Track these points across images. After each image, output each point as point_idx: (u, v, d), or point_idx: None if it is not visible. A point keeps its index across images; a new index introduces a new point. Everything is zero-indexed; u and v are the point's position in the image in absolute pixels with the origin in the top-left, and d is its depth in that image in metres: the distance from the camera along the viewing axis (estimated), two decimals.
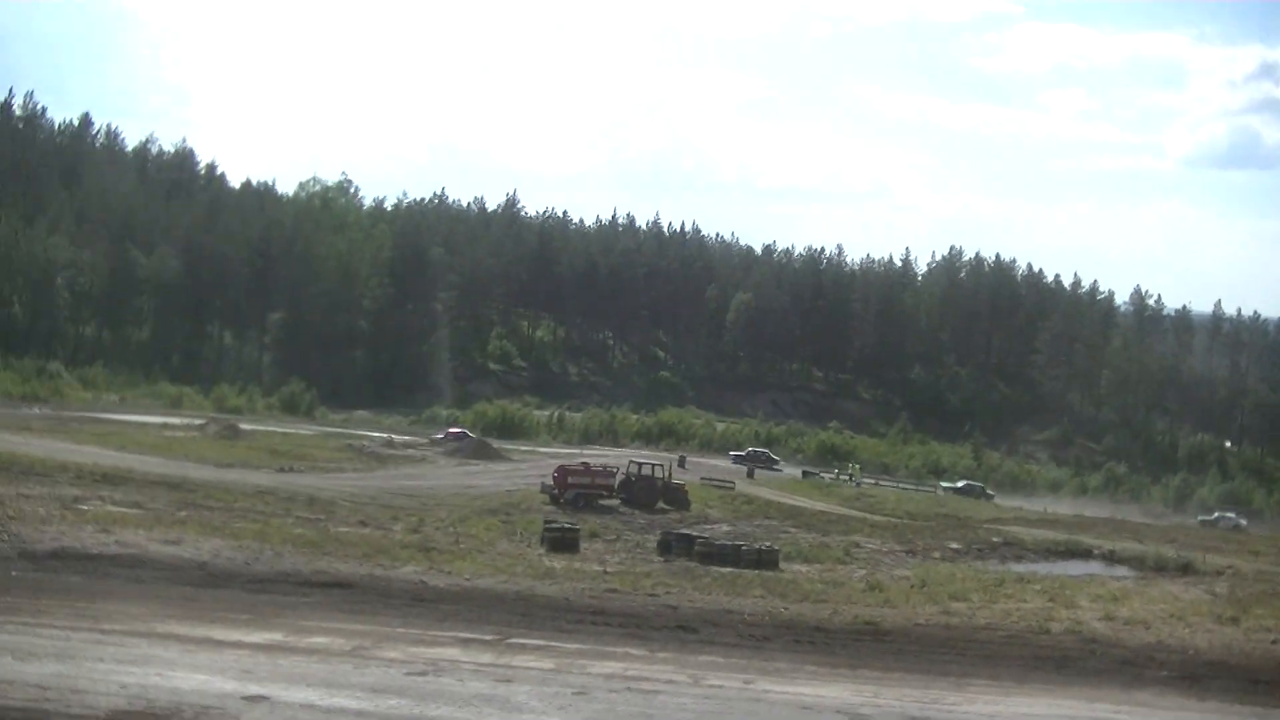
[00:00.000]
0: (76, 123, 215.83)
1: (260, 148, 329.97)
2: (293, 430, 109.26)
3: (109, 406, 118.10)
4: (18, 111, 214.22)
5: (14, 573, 26.73)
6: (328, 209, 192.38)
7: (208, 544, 33.90)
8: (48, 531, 33.50)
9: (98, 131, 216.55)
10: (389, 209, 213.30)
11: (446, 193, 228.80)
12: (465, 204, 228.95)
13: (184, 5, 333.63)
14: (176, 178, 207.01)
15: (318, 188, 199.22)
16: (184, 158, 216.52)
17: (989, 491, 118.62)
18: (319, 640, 20.14)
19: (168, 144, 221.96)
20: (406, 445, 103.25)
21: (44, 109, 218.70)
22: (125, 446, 74.29)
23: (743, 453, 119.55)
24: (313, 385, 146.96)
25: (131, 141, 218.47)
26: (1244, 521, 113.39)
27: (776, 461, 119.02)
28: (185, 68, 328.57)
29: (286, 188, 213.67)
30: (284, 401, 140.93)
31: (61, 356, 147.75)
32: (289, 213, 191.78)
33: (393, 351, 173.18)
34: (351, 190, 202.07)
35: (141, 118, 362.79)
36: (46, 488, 46.40)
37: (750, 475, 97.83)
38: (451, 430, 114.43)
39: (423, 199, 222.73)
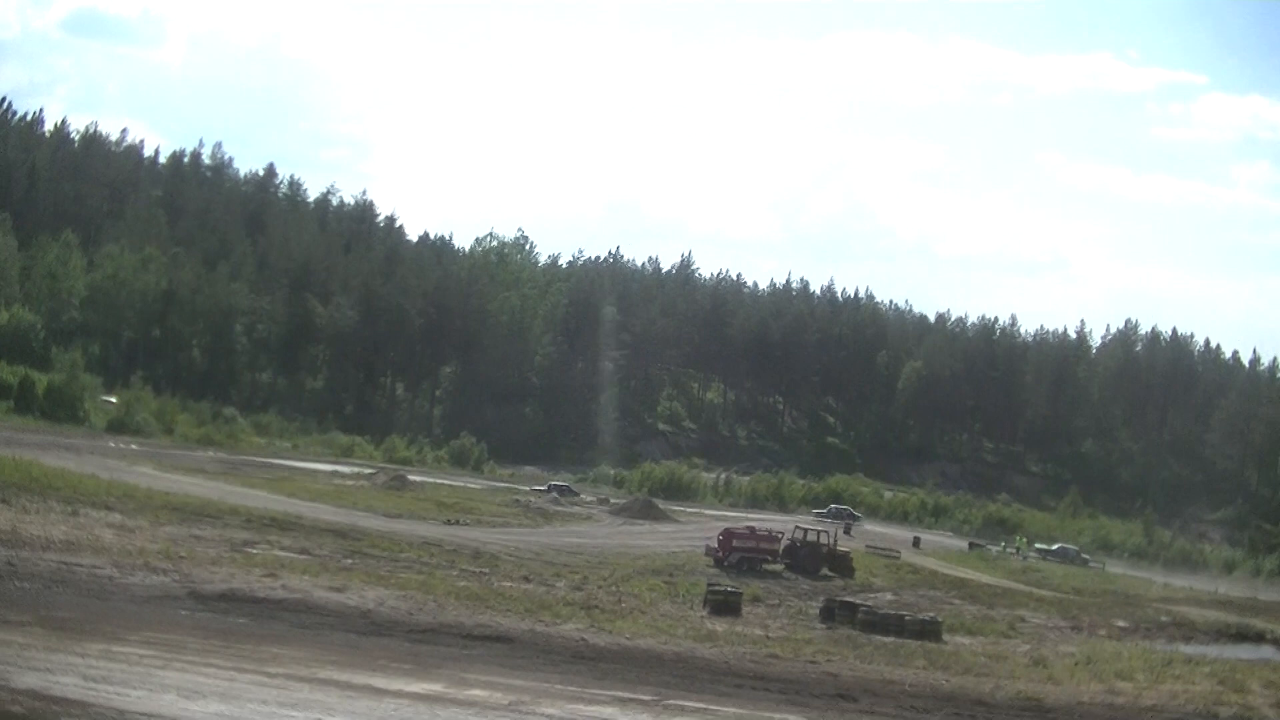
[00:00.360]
0: (261, 173, 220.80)
1: (438, 202, 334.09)
2: (460, 483, 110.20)
3: (281, 453, 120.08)
4: (206, 161, 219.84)
5: (183, 612, 27.20)
6: (503, 264, 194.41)
7: (372, 593, 34.22)
8: (217, 573, 34.06)
9: (281, 182, 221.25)
10: (564, 266, 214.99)
11: (621, 252, 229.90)
12: (640, 264, 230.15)
13: (367, 60, 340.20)
14: (356, 229, 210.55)
15: (494, 243, 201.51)
16: (364, 210, 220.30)
17: (1084, 556, 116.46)
18: (478, 693, 20.23)
19: (348, 196, 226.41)
20: (573, 503, 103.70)
21: (230, 159, 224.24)
22: (295, 493, 75.39)
23: (824, 510, 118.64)
24: (482, 439, 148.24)
25: (313, 193, 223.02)
26: None
27: (858, 518, 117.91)
28: (367, 121, 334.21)
29: (463, 242, 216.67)
30: (453, 454, 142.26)
31: (237, 402, 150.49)
32: (465, 267, 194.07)
33: (562, 408, 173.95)
34: (527, 246, 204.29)
35: (323, 169, 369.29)
36: (218, 530, 47.20)
37: (916, 545, 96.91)
38: (554, 484, 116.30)
39: (598, 257, 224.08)
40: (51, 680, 16.98)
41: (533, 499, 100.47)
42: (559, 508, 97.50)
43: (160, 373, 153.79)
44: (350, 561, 43.87)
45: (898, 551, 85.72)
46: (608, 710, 20.11)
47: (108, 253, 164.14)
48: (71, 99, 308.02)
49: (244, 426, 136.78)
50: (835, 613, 49.26)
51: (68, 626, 22.57)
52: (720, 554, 66.90)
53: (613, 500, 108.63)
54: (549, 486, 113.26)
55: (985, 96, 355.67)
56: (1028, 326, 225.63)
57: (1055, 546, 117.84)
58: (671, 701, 21.86)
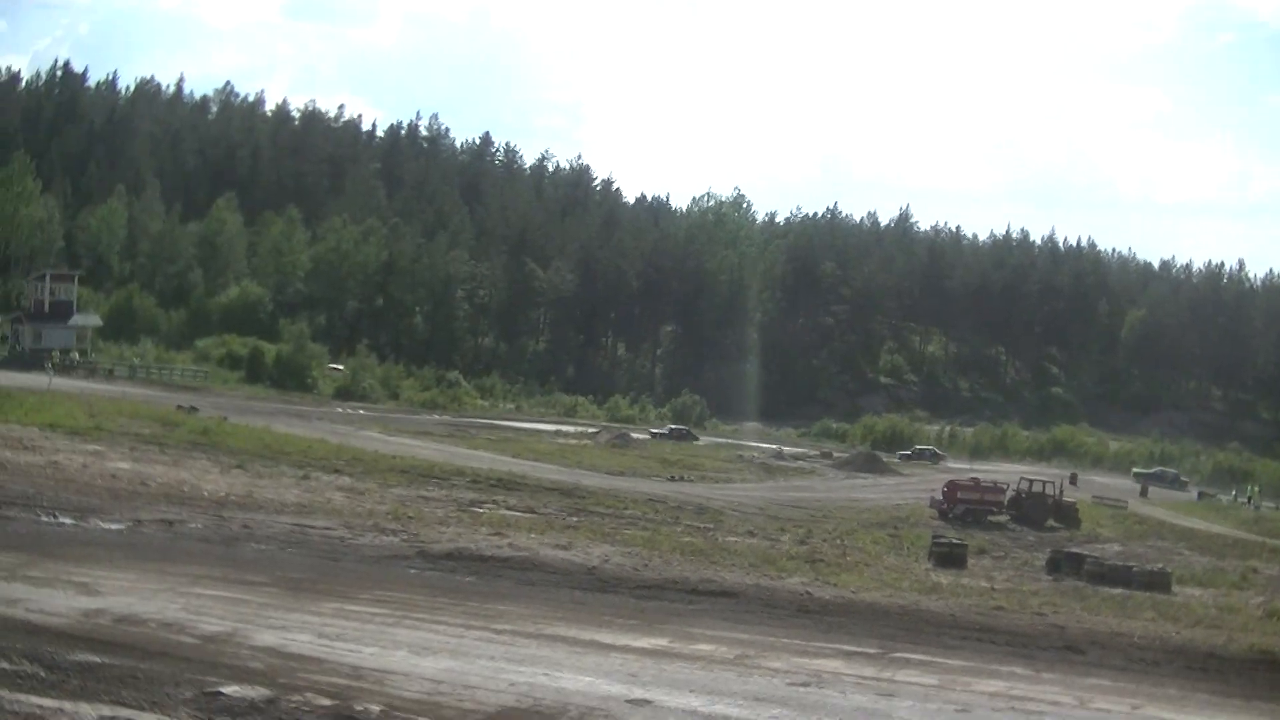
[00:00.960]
0: (477, 142, 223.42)
1: (655, 164, 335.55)
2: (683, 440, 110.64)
3: (505, 415, 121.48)
4: (423, 133, 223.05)
5: (412, 571, 27.70)
6: (721, 224, 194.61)
7: (598, 550, 34.55)
8: (445, 533, 34.64)
9: (497, 150, 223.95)
10: (781, 224, 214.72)
11: (839, 208, 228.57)
12: (857, 219, 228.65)
13: (579, 26, 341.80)
14: (572, 194, 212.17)
15: (711, 203, 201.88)
16: (580, 174, 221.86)
17: (1183, 479, 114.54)
18: (704, 647, 20.31)
19: (564, 161, 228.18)
20: (796, 457, 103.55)
21: (447, 130, 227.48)
22: (520, 454, 76.31)
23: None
24: (703, 396, 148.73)
25: (529, 159, 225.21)
26: None
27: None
28: (581, 87, 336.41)
29: (680, 203, 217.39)
30: (675, 412, 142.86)
31: (460, 366, 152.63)
32: (682, 227, 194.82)
33: (783, 365, 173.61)
34: (745, 205, 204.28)
35: (538, 136, 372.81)
36: (444, 491, 47.99)
37: (1144, 494, 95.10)
38: (673, 427, 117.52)
39: (815, 214, 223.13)
40: (288, 638, 17.42)
41: (754, 455, 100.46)
42: (782, 462, 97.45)
43: (384, 340, 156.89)
44: (575, 519, 44.31)
45: (1125, 502, 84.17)
46: (833, 663, 20.05)
47: (330, 226, 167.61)
48: (291, 80, 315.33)
49: (467, 390, 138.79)
50: (1061, 564, 48.47)
51: (302, 586, 23.14)
52: (945, 506, 66.34)
53: (836, 454, 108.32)
54: (668, 429, 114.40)
55: (1206, 37, 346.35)
56: (1257, 271, 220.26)
57: (1155, 470, 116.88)
58: (897, 654, 21.73)
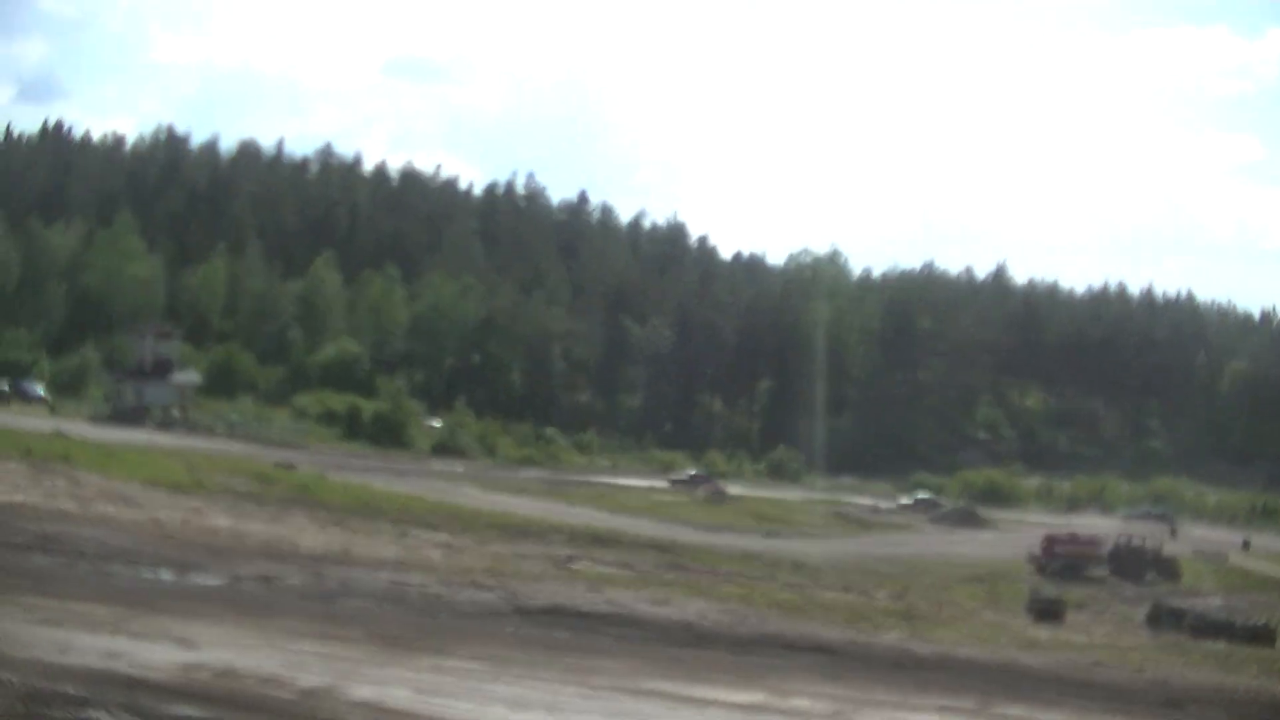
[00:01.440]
0: (574, 200, 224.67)
1: (750, 220, 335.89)
2: (779, 495, 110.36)
3: (601, 470, 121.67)
4: (520, 190, 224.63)
5: (508, 628, 27.78)
6: (817, 279, 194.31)
7: (694, 605, 34.52)
8: (541, 589, 34.72)
9: (593, 208, 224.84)
10: (877, 278, 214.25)
11: (935, 262, 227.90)
12: (953, 273, 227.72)
13: (674, 84, 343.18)
14: (668, 250, 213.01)
15: (808, 258, 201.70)
16: (675, 231, 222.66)
17: (1171, 516, 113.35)
18: (800, 703, 20.27)
19: (659, 218, 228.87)
20: (891, 512, 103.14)
21: (543, 188, 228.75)
22: (616, 509, 76.40)
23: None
24: (800, 451, 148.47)
25: (625, 216, 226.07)
26: None
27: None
28: (677, 144, 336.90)
29: (776, 259, 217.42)
30: (771, 467, 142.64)
31: (557, 422, 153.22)
32: (778, 283, 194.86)
33: (879, 419, 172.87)
34: (840, 260, 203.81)
35: (634, 194, 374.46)
36: (541, 547, 48.16)
37: (1245, 548, 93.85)
38: (691, 474, 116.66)
39: (911, 269, 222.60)
40: (384, 692, 17.55)
41: (850, 509, 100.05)
42: (878, 517, 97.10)
43: (481, 397, 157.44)
44: (671, 575, 44.30)
45: (1226, 555, 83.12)
46: (930, 718, 19.96)
47: (428, 283, 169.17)
48: (390, 138, 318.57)
49: (564, 446, 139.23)
50: (1162, 618, 47.88)
51: (398, 642, 23.27)
52: (1042, 560, 65.86)
53: (931, 506, 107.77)
54: (689, 476, 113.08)
55: None
56: None
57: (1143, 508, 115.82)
58: (995, 710, 21.60)
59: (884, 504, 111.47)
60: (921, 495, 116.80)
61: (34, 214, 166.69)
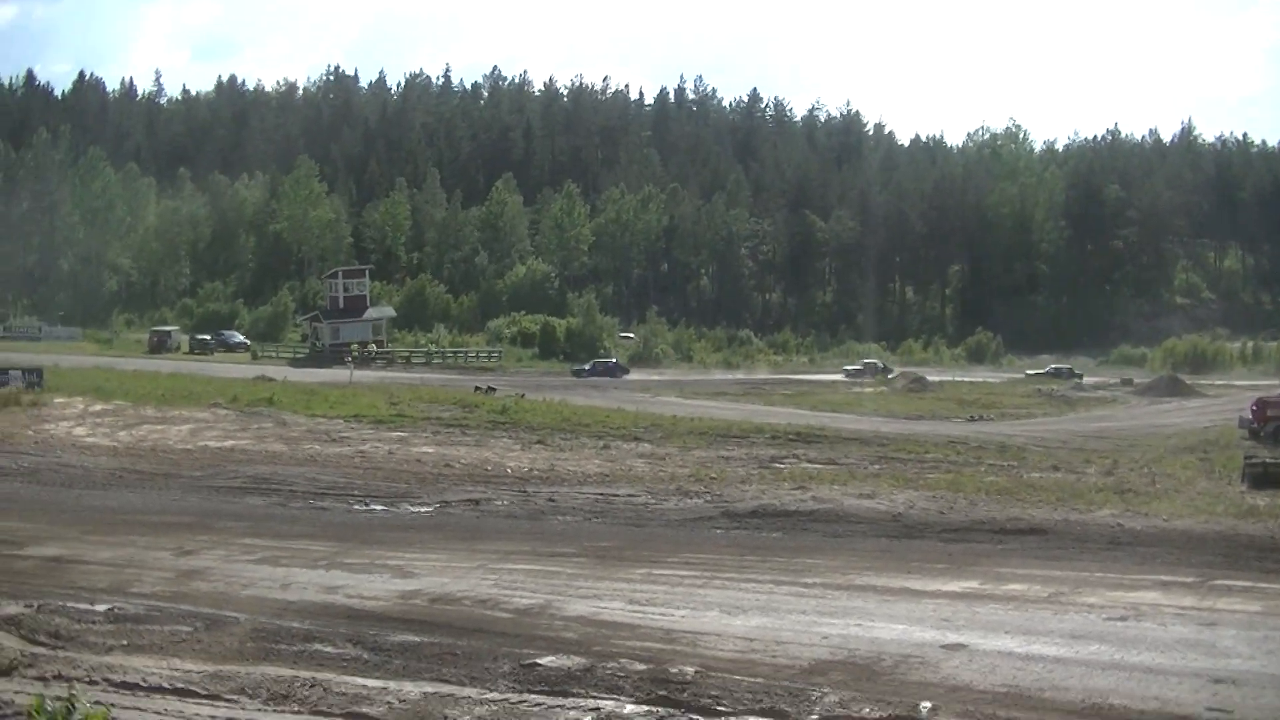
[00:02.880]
0: (745, 100, 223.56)
1: (926, 102, 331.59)
2: (980, 379, 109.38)
3: (798, 368, 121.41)
4: (691, 96, 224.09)
5: (717, 531, 27.82)
6: (998, 157, 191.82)
7: (901, 496, 34.22)
8: (747, 491, 34.67)
9: (766, 106, 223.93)
10: (1060, 150, 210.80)
11: (1119, 128, 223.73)
12: (1138, 137, 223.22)
13: None
14: (844, 141, 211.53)
15: (987, 136, 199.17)
16: (851, 121, 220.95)
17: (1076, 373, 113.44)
18: (1015, 587, 19.99)
19: (834, 110, 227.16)
20: (1096, 387, 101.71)
21: (714, 90, 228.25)
22: (817, 406, 76.27)
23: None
24: (996, 333, 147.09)
25: (799, 111, 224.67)
26: None
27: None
28: (845, 33, 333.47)
29: (955, 139, 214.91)
30: (969, 351, 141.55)
31: (750, 324, 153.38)
32: (960, 164, 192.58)
33: (1074, 294, 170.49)
34: (1021, 135, 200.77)
35: (805, 88, 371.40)
36: (744, 449, 48.10)
37: None
38: (865, 362, 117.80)
39: (1094, 137, 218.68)
40: (600, 606, 17.63)
41: (1053, 388, 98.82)
42: (1082, 393, 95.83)
43: (672, 305, 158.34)
44: (876, 467, 43.98)
45: None
46: (1150, 595, 19.55)
47: (608, 197, 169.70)
48: (556, 56, 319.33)
49: (759, 347, 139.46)
50: None
51: (610, 555, 23.38)
52: (1255, 424, 64.40)
53: (1136, 380, 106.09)
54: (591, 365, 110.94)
55: None
56: None
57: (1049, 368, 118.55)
58: (1217, 582, 21.08)
59: (1086, 378, 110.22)
60: (869, 360, 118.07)
61: (218, 169, 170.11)
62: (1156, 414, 77.81)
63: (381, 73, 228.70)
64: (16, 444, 40.45)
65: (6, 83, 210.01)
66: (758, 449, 48.43)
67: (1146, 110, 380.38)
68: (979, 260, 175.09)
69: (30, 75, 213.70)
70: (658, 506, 31.45)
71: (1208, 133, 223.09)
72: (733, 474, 39.57)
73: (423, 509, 30.24)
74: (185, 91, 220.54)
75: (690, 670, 13.76)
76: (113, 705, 11.36)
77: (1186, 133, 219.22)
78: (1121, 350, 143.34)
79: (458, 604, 17.71)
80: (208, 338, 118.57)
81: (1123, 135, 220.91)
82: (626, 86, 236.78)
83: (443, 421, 53.51)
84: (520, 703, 12.55)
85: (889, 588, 19.78)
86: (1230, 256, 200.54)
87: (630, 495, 33.31)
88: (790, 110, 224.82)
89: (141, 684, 12.77)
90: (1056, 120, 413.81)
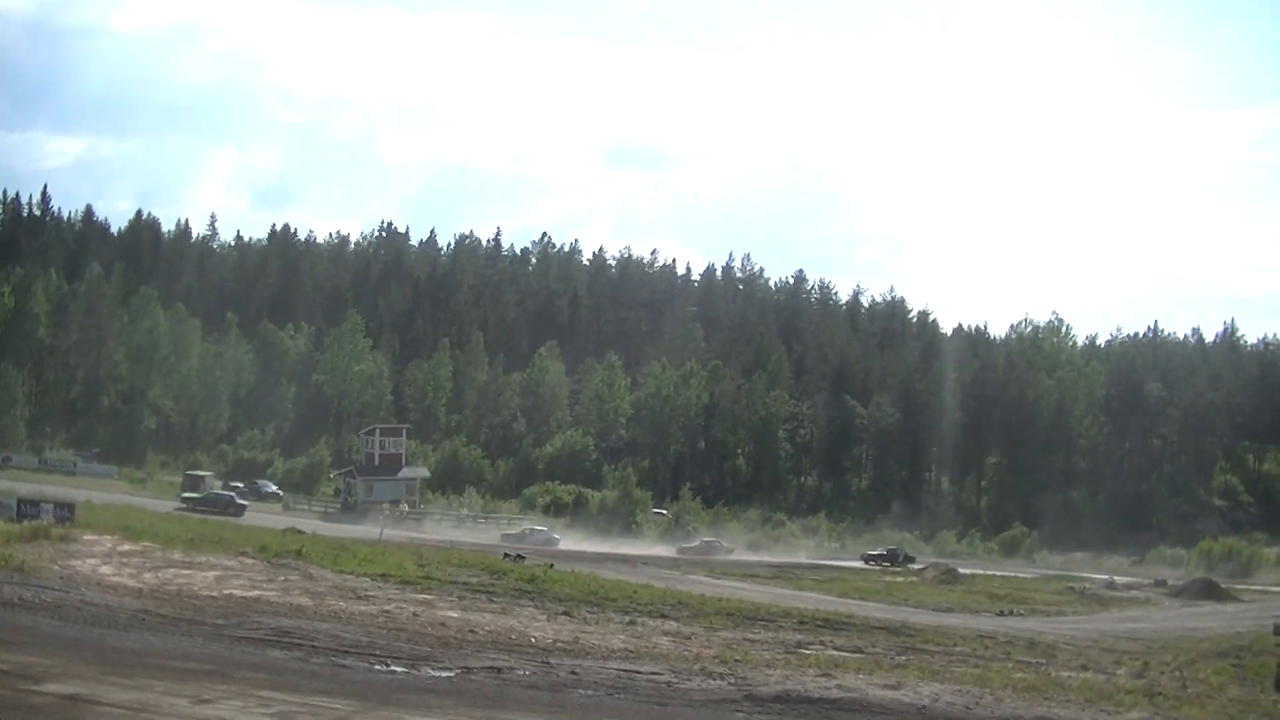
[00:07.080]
0: (791, 280, 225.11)
1: (970, 292, 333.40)
2: (1012, 574, 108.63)
3: (828, 555, 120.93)
4: (738, 273, 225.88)
5: (739, 714, 27.57)
6: (1040, 349, 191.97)
7: (927, 688, 33.89)
8: (772, 675, 34.37)
9: (811, 287, 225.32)
10: (1101, 345, 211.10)
11: (1160, 325, 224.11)
12: (1181, 336, 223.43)
13: (888, 162, 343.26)
14: (888, 327, 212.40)
15: (1029, 328, 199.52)
16: (895, 307, 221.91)
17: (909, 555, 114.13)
18: None
19: (878, 294, 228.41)
20: (1129, 587, 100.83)
21: (761, 269, 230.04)
22: (846, 593, 75.83)
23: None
24: (1031, 527, 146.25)
25: (843, 294, 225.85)
26: None
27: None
28: (893, 220, 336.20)
29: (998, 330, 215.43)
30: (1003, 545, 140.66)
31: (784, 506, 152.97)
32: (1001, 355, 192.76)
33: (1111, 490, 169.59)
34: (1063, 329, 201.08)
35: (851, 271, 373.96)
36: (771, 633, 47.72)
37: None
38: (886, 549, 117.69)
39: (1136, 333, 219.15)
40: None
41: (1086, 586, 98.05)
42: (1115, 593, 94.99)
43: (707, 483, 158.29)
44: (903, 658, 43.60)
45: None
46: None
47: (650, 370, 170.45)
48: (607, 226, 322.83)
49: (792, 530, 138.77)
50: None
51: None
52: None
53: (1170, 581, 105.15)
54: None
55: None
56: None
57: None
58: None
59: (1119, 579, 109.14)
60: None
61: (265, 315, 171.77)
62: (1189, 616, 76.94)
63: (433, 231, 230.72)
64: (42, 577, 40.41)
65: (66, 217, 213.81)
66: (784, 633, 48.06)
67: (1189, 308, 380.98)
68: (1016, 452, 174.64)
69: (89, 211, 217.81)
70: (681, 686, 31.21)
71: (1251, 333, 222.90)
72: (758, 657, 39.26)
73: (444, 673, 30.06)
74: (239, 237, 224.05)
75: None
76: None
77: (1229, 332, 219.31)
78: (1159, 550, 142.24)
79: None
80: (241, 486, 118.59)
81: (1164, 333, 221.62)
82: (674, 260, 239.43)
83: (469, 587, 53.33)
84: None
85: None
86: (1270, 460, 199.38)
87: (654, 673, 33.07)
88: (835, 293, 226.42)
89: None
90: (1099, 315, 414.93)
